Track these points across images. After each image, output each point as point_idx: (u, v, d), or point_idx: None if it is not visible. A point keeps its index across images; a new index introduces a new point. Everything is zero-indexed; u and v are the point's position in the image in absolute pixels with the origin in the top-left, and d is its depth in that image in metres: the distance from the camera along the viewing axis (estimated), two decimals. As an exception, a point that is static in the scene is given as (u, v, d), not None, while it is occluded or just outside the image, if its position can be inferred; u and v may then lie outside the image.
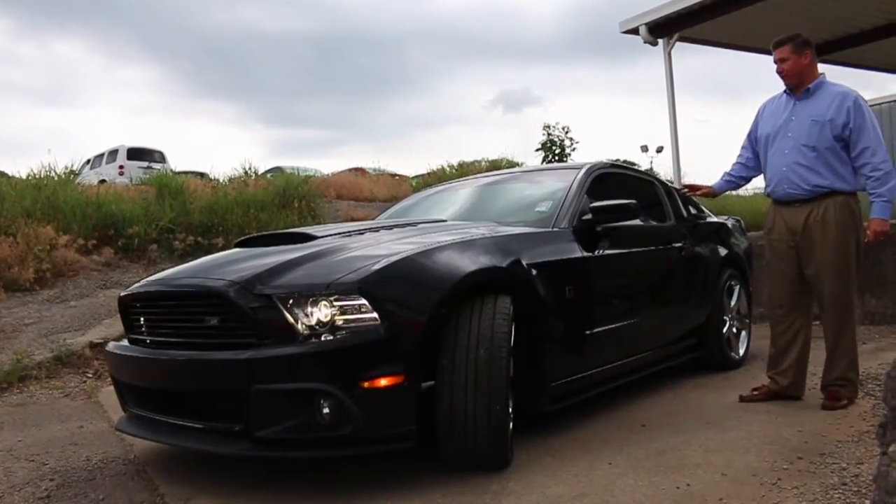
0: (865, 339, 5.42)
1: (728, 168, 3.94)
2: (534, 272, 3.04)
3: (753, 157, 3.78)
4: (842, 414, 3.29)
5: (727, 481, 2.50)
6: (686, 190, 4.38)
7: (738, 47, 9.42)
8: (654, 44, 8.82)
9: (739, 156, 3.87)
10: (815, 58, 3.50)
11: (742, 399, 3.64)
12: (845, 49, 9.38)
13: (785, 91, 3.58)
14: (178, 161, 19.51)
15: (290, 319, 2.50)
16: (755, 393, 3.66)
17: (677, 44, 8.79)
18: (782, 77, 3.52)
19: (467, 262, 2.81)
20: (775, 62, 3.52)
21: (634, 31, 8.83)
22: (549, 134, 15.69)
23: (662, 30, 8.68)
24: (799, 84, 3.48)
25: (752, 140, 3.77)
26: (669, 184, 5.15)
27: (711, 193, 4.04)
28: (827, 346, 3.53)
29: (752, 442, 2.93)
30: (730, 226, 5.18)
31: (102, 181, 13.09)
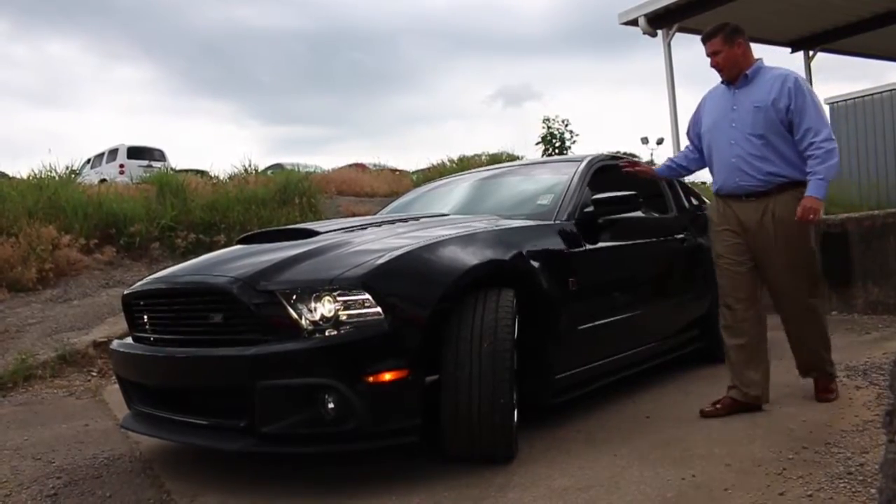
0: (868, 328, 5.43)
1: (674, 155, 3.83)
2: (536, 265, 3.04)
3: (696, 150, 3.60)
4: (846, 403, 3.29)
5: (732, 472, 2.50)
6: (626, 166, 3.89)
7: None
8: (654, 35, 8.80)
9: (685, 147, 3.74)
10: (748, 45, 3.32)
11: (704, 415, 3.25)
12: (844, 38, 9.36)
13: (722, 82, 3.40)
14: (177, 159, 19.55)
15: (294, 315, 2.50)
16: (717, 407, 3.26)
17: (676, 34, 8.77)
18: (718, 70, 3.35)
19: (470, 256, 2.81)
20: (708, 56, 3.35)
21: (633, 23, 8.81)
22: (548, 127, 15.66)
23: (662, 21, 8.66)
24: (737, 74, 3.30)
25: (692, 136, 3.59)
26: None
27: (651, 175, 3.90)
28: (794, 350, 3.46)
29: (756, 432, 2.93)
30: (731, 216, 5.16)
31: (103, 180, 13.10)
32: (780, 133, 3.19)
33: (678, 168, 3.72)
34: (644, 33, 8.78)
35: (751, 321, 3.31)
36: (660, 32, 8.80)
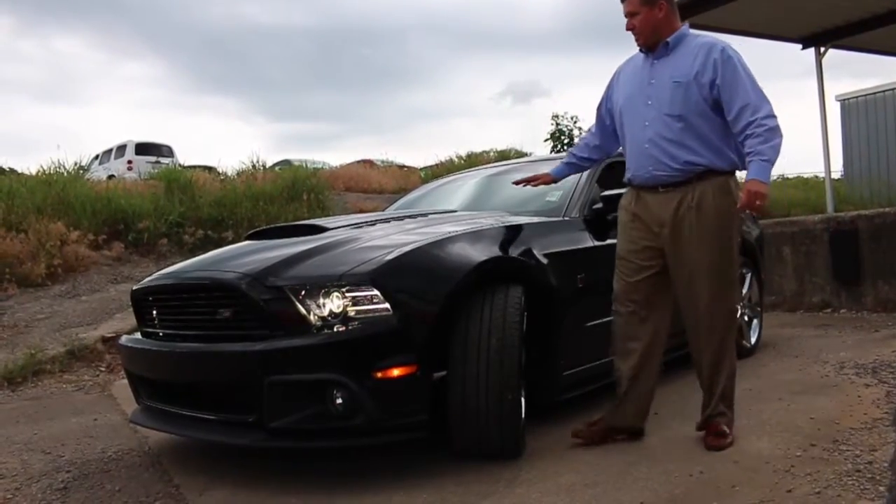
0: (878, 326, 5.41)
1: (574, 146, 3.33)
2: (545, 261, 3.03)
3: (599, 135, 3.14)
4: (854, 401, 3.27)
5: (740, 469, 2.50)
6: (522, 185, 3.41)
7: (747, 34, 9.34)
8: (663, 31, 8.75)
9: (589, 131, 3.24)
10: (672, 8, 2.82)
11: (576, 435, 2.89)
12: (856, 34, 9.30)
13: (640, 51, 2.91)
14: (185, 155, 19.61)
15: (303, 311, 2.51)
16: (592, 428, 2.90)
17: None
18: (634, 35, 2.84)
19: (478, 252, 2.81)
20: (625, 16, 2.84)
21: (643, 19, 8.77)
22: (557, 124, 15.67)
23: (671, 17, 8.61)
24: (657, 42, 2.80)
25: (603, 113, 3.08)
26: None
27: (550, 181, 3.31)
28: (704, 372, 2.86)
29: (763, 430, 2.92)
30: (741, 214, 5.15)
31: (111, 176, 13.16)
32: (702, 114, 2.71)
33: (580, 162, 3.24)
34: (654, 29, 8.74)
35: (642, 338, 2.86)
36: (669, 29, 8.76)
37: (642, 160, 2.81)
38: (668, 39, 2.78)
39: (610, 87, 3.05)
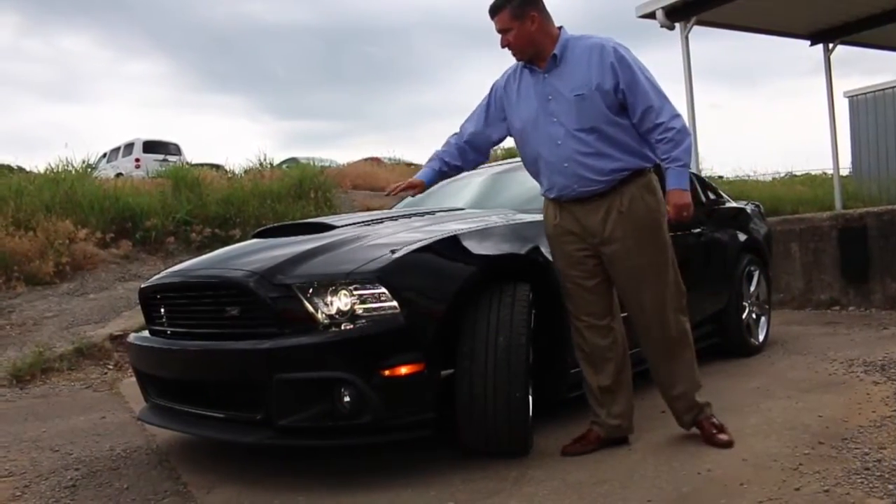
0: (886, 323, 5.39)
1: (441, 149, 3.04)
2: (552, 259, 3.03)
3: (472, 143, 2.97)
4: (863, 399, 3.26)
5: (748, 466, 2.49)
6: (392, 192, 3.11)
7: (756, 30, 9.32)
8: (671, 28, 8.73)
9: (457, 136, 3.00)
10: (544, 16, 2.68)
11: (565, 452, 2.77)
12: (865, 30, 9.26)
13: (524, 67, 2.77)
14: (192, 153, 19.59)
15: (310, 309, 2.51)
16: (583, 444, 2.81)
17: (694, 28, 8.70)
18: (512, 52, 2.73)
19: (486, 250, 2.81)
20: (498, 32, 2.71)
21: (651, 16, 8.75)
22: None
23: (680, 13, 8.60)
24: (537, 54, 2.69)
25: (486, 118, 2.92)
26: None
27: (423, 187, 3.04)
28: (661, 370, 2.84)
29: (772, 427, 2.92)
30: (749, 211, 5.14)
31: (119, 174, 13.19)
32: (612, 121, 2.63)
33: (450, 171, 3.04)
34: (661, 26, 8.72)
35: (612, 347, 2.80)
36: (678, 25, 8.73)
37: (565, 180, 2.70)
38: (556, 52, 2.66)
39: (489, 104, 2.91)
